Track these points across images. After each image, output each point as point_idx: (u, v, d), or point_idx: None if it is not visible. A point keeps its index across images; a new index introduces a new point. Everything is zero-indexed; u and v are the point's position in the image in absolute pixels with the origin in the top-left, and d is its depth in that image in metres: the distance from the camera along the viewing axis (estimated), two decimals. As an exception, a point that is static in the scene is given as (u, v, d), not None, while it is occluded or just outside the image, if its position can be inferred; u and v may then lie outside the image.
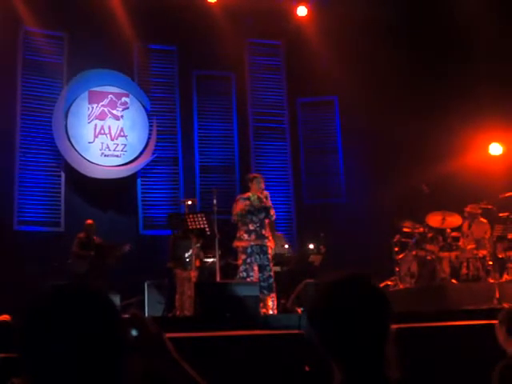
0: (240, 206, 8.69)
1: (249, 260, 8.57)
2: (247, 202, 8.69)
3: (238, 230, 8.75)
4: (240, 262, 8.68)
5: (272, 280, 8.61)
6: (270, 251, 8.73)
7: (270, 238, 8.82)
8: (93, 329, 1.34)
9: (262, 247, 8.62)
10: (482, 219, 10.00)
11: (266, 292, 8.47)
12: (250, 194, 8.83)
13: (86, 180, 11.74)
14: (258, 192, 8.80)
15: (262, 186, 8.85)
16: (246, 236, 8.63)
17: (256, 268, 8.57)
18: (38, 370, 1.32)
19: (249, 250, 8.58)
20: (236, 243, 8.73)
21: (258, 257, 8.59)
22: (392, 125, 11.70)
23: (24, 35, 11.76)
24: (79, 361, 1.31)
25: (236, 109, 13.14)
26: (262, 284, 8.45)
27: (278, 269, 9.46)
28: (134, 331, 1.61)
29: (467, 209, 10.05)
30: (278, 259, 9.68)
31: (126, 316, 1.56)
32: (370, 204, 11.97)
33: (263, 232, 8.67)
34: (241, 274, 8.58)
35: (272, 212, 8.81)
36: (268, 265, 8.64)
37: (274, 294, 8.60)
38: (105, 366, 1.35)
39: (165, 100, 12.75)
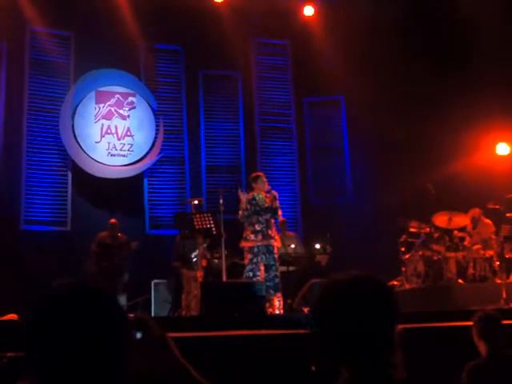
0: (243, 200, 8.69)
1: (255, 260, 8.57)
2: (250, 201, 8.69)
3: (244, 230, 8.75)
4: (246, 261, 8.68)
5: (278, 280, 8.61)
6: (276, 251, 8.74)
7: (277, 237, 8.82)
8: (98, 328, 1.34)
9: (268, 247, 8.63)
10: (485, 220, 9.97)
11: (272, 292, 8.47)
12: (254, 193, 8.82)
13: (93, 180, 11.76)
14: (262, 191, 8.80)
15: (266, 184, 8.86)
16: (252, 236, 8.64)
17: (262, 268, 8.58)
18: (43, 369, 1.32)
19: (255, 250, 8.59)
20: (242, 243, 8.74)
21: (264, 256, 8.59)
22: (398, 124, 11.68)
23: (31, 35, 11.79)
24: (84, 361, 1.31)
25: (242, 108, 13.14)
26: (268, 284, 8.45)
27: (284, 268, 9.46)
28: (138, 333, 1.61)
29: (469, 215, 10.04)
30: (286, 259, 9.67)
31: (131, 318, 1.57)
32: (376, 204, 11.95)
33: (269, 232, 8.68)
34: (247, 274, 8.58)
35: (280, 213, 8.81)
36: (274, 264, 8.65)
37: (280, 294, 8.61)
38: (110, 367, 1.34)
39: (171, 100, 12.76)
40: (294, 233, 11.45)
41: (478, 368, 4.15)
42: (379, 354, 1.74)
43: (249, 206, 8.66)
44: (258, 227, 8.64)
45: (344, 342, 1.75)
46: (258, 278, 8.48)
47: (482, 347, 4.24)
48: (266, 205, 8.72)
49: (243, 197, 8.71)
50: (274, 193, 8.81)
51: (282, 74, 13.45)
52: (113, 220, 10.62)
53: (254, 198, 8.73)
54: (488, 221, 9.92)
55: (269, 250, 8.63)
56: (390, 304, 1.80)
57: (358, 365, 1.74)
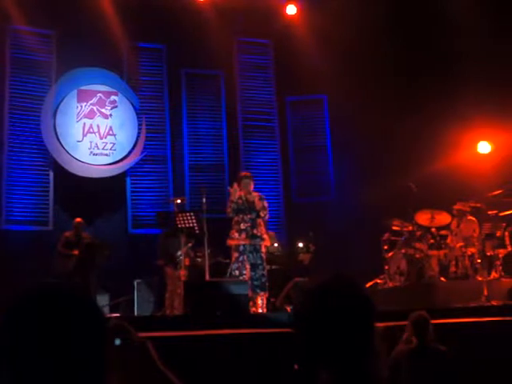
0: (233, 193, 8.68)
1: (241, 258, 8.58)
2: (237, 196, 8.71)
3: (230, 228, 8.77)
4: (233, 260, 8.68)
5: (265, 279, 8.62)
6: (263, 250, 8.73)
7: (265, 236, 8.80)
8: (76, 330, 1.32)
9: (254, 246, 8.63)
10: (470, 217, 10.02)
11: (258, 291, 8.48)
12: (241, 194, 8.83)
13: (75, 179, 11.68)
14: (243, 192, 8.77)
15: (250, 187, 8.84)
16: (236, 235, 8.66)
17: (248, 266, 8.58)
18: (18, 371, 1.30)
19: (241, 248, 8.60)
20: (229, 242, 8.76)
21: (250, 255, 8.60)
22: (381, 124, 11.72)
23: (12, 33, 11.70)
24: (61, 363, 1.29)
25: (225, 107, 13.12)
26: (255, 283, 8.46)
27: (267, 267, 9.47)
28: (117, 340, 1.59)
29: (456, 206, 10.06)
30: (269, 258, 9.68)
31: (109, 325, 1.55)
32: (359, 202, 11.98)
33: (255, 231, 8.67)
34: (233, 272, 8.58)
35: (262, 214, 8.76)
36: (261, 263, 8.65)
37: (265, 293, 8.61)
38: (87, 369, 1.32)
39: (154, 98, 12.72)
40: (274, 232, 11.42)
41: (404, 353, 5.08)
42: (359, 353, 1.75)
43: (239, 201, 8.66)
44: (242, 226, 8.66)
45: (323, 345, 1.75)
46: (244, 276, 8.49)
47: (414, 340, 5.18)
48: (252, 205, 8.73)
49: (233, 191, 8.70)
50: (258, 194, 8.88)
51: (264, 72, 13.46)
52: (78, 219, 10.46)
53: (241, 197, 8.75)
54: (473, 218, 9.95)
55: (256, 248, 8.63)
56: (367, 304, 1.80)
57: (338, 366, 1.74)
